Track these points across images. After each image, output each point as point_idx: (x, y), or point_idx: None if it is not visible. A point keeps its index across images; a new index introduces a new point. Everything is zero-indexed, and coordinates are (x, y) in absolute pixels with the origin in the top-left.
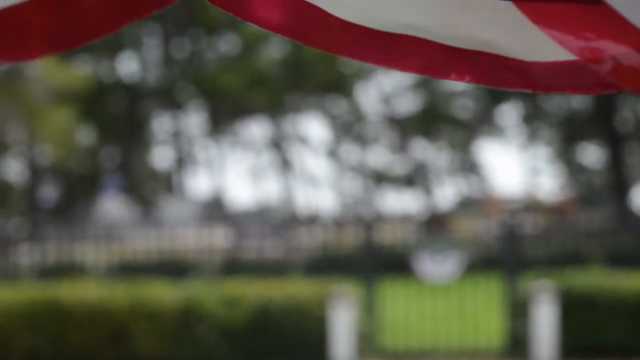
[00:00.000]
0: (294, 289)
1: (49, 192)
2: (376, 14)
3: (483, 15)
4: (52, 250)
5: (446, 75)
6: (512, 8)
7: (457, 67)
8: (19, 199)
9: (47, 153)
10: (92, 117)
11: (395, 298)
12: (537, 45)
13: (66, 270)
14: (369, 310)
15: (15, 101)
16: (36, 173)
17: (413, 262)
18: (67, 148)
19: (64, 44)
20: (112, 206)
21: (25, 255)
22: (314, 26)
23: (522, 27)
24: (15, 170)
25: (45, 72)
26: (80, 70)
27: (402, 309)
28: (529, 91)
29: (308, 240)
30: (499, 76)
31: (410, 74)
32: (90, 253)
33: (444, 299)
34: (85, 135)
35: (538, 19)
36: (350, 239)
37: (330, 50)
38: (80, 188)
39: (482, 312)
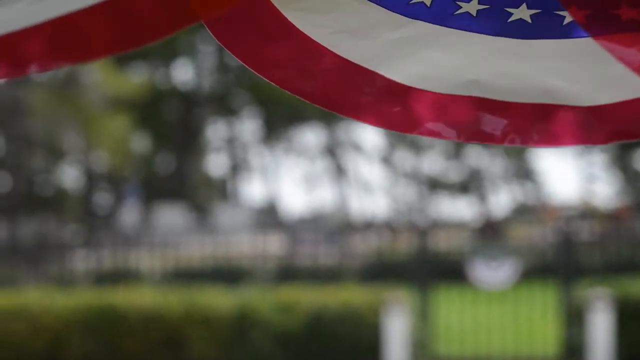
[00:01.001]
0: (348, 296)
1: (105, 199)
2: (438, 74)
3: (551, 61)
4: (107, 257)
5: (495, 139)
6: (591, 43)
7: (516, 127)
8: (75, 206)
9: (102, 160)
10: (148, 124)
11: (449, 305)
12: (614, 81)
13: (121, 277)
14: (423, 317)
15: (72, 108)
16: (92, 180)
17: (468, 269)
18: (123, 155)
19: (120, 47)
20: (168, 213)
21: (81, 262)
22: (368, 95)
23: (602, 63)
24: (71, 177)
25: (101, 79)
26: (136, 78)
27: (457, 316)
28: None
29: (362, 247)
30: (555, 132)
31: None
32: (145, 259)
33: (499, 306)
34: (140, 143)
35: (618, 52)
36: (405, 245)
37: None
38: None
39: (537, 320)
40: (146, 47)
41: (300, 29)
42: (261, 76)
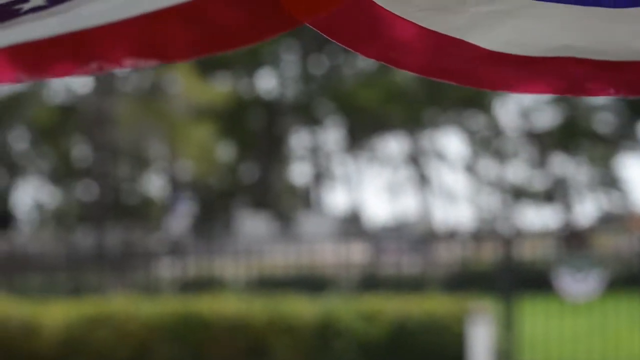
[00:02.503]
0: (432, 305)
1: (189, 207)
2: (526, 41)
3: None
4: (192, 265)
5: (592, 92)
6: None
7: (605, 81)
8: (160, 214)
9: (187, 168)
10: (232, 133)
11: (534, 315)
12: None
13: (206, 284)
14: (507, 327)
15: (157, 118)
16: (177, 188)
17: (553, 279)
18: (207, 164)
19: (199, 51)
20: (251, 222)
21: (166, 269)
22: (457, 61)
23: None
24: (156, 185)
25: (186, 89)
26: (221, 87)
27: (542, 326)
28: None
29: (446, 256)
30: None
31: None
32: (229, 267)
33: (585, 317)
34: (224, 151)
35: None
36: (489, 254)
37: (477, 85)
38: (219, 203)
39: (624, 331)
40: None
41: (389, 10)
42: (370, 58)
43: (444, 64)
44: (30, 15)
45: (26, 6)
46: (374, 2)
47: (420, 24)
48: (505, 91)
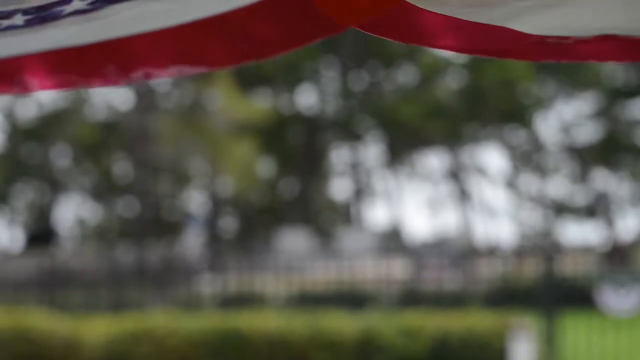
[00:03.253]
0: (473, 321)
1: (230, 223)
2: (569, 26)
3: None
4: (232, 280)
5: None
6: None
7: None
8: (201, 230)
9: (228, 185)
10: (272, 149)
11: (576, 331)
12: None
13: (246, 300)
14: (549, 343)
15: (198, 134)
16: (217, 204)
17: (595, 295)
18: (248, 180)
19: (239, 59)
20: (292, 237)
21: (207, 285)
22: (499, 42)
23: None
24: (197, 201)
25: (226, 105)
26: (261, 103)
27: (584, 343)
28: None
29: (487, 272)
30: None
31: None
32: (270, 283)
33: (628, 333)
34: (264, 167)
35: None
36: (530, 270)
37: (520, 58)
38: (260, 219)
39: None
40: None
41: (427, 9)
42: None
43: (486, 45)
44: (70, 19)
45: (67, 9)
46: (412, 4)
47: (461, 17)
48: (549, 61)
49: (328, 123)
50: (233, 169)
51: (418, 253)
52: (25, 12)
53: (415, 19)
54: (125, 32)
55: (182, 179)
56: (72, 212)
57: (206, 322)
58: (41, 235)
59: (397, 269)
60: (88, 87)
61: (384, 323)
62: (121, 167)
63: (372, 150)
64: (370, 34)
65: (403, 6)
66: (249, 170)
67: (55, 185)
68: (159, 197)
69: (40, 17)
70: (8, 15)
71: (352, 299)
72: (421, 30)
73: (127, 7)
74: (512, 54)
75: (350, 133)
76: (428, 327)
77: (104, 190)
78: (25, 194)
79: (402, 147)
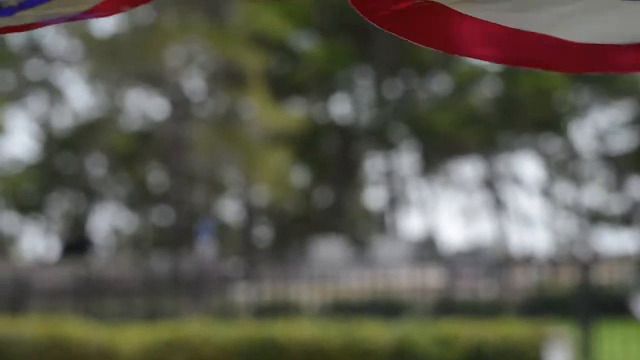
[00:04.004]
0: (509, 331)
1: (264, 232)
2: (612, 32)
3: None
4: (267, 289)
5: None
6: None
7: None
8: (236, 239)
9: (262, 193)
10: (306, 158)
11: (612, 341)
12: None
13: (281, 309)
14: (585, 353)
15: (232, 143)
16: (252, 213)
17: (631, 304)
18: (282, 189)
19: None
20: (326, 246)
21: (242, 294)
22: (538, 51)
23: None
24: (232, 210)
25: (261, 114)
26: (295, 113)
27: (620, 352)
28: None
29: (522, 281)
30: None
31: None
32: (304, 292)
33: None
34: (299, 176)
35: None
36: (566, 279)
37: (560, 70)
38: (294, 228)
39: None
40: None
41: (465, 13)
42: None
43: (524, 54)
44: None
45: None
46: (449, 7)
47: (500, 23)
48: (590, 73)
49: (362, 132)
50: (267, 178)
51: (453, 262)
52: None
53: (450, 25)
54: None
55: (216, 188)
56: (107, 221)
57: (241, 331)
58: (77, 244)
59: (432, 278)
60: None
61: (418, 332)
62: (156, 176)
63: (407, 159)
64: (403, 38)
65: (437, 10)
66: (283, 179)
67: (90, 195)
68: (194, 206)
69: None
70: None
71: (387, 308)
72: (456, 37)
73: None
74: (551, 64)
75: (384, 142)
76: (463, 336)
77: (139, 199)
78: (60, 203)
79: (436, 156)
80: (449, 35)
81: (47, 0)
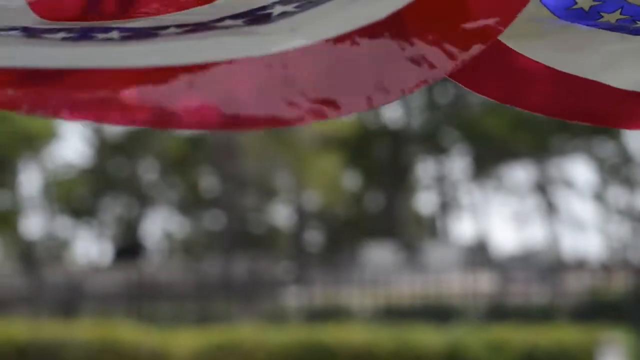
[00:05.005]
0: (561, 335)
1: (315, 237)
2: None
3: None
4: (318, 294)
5: None
6: None
7: None
8: (287, 243)
9: (313, 198)
10: (358, 163)
11: None
12: None
13: (332, 313)
14: (638, 358)
15: (284, 148)
16: (303, 217)
17: None
18: (333, 193)
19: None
20: (377, 251)
21: (293, 298)
22: (585, 101)
23: None
24: (283, 215)
25: None
26: (346, 117)
27: None
28: None
29: (575, 286)
30: None
31: None
32: (355, 296)
33: None
34: (350, 181)
35: None
36: (619, 284)
37: (605, 124)
38: (345, 232)
39: None
40: None
41: (515, 49)
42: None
43: (571, 104)
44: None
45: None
46: (500, 41)
47: (549, 64)
48: (635, 129)
49: (414, 136)
50: (319, 182)
51: (505, 267)
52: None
53: (499, 68)
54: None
55: (268, 193)
56: (159, 225)
57: (292, 335)
58: (129, 248)
59: (484, 283)
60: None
61: (470, 337)
62: (208, 181)
63: (458, 163)
64: (461, 85)
65: (494, 54)
66: (334, 183)
67: (143, 199)
68: (245, 211)
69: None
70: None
71: (438, 312)
72: (505, 83)
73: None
74: (594, 115)
75: (435, 146)
76: (515, 341)
77: (191, 203)
78: (113, 208)
79: (488, 160)
80: (496, 77)
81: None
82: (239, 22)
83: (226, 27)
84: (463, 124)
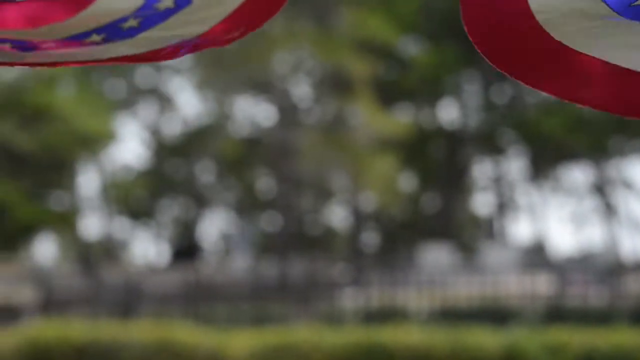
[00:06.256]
0: (620, 338)
1: (372, 238)
2: None
3: None
4: (375, 295)
5: None
6: None
7: None
8: (343, 245)
9: (370, 199)
10: (414, 164)
11: None
12: None
13: (389, 315)
14: None
15: (340, 149)
16: (359, 219)
17: None
18: (390, 194)
19: None
20: (434, 252)
21: (350, 299)
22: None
23: None
24: (339, 216)
25: (368, 120)
26: (402, 118)
27: None
28: None
29: (634, 288)
30: None
31: None
32: (412, 298)
33: None
34: (406, 182)
35: None
36: None
37: None
38: (402, 233)
39: None
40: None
41: (574, 48)
42: (538, 89)
43: (631, 100)
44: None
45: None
46: (557, 40)
47: (609, 61)
48: None
49: (470, 137)
50: (375, 183)
51: (563, 268)
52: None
53: (560, 65)
54: None
55: (324, 194)
56: (216, 226)
57: (349, 337)
58: (186, 249)
59: (541, 285)
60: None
61: (528, 339)
62: (264, 182)
63: (515, 164)
64: (507, 74)
65: (554, 52)
66: (391, 185)
67: (200, 201)
68: (302, 212)
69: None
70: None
71: (496, 314)
72: (567, 79)
73: None
74: None
75: (492, 147)
76: (573, 343)
77: (248, 205)
78: (170, 209)
79: (545, 161)
80: (557, 74)
81: (167, 19)
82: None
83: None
84: (520, 124)
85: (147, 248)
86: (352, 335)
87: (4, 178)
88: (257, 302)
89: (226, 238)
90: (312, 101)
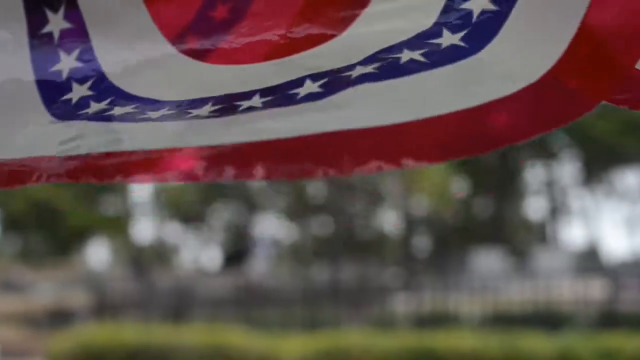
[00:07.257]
0: None
1: (424, 243)
2: None
3: None
4: (427, 300)
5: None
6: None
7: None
8: (395, 249)
9: (421, 204)
10: (465, 168)
11: None
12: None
13: (441, 320)
14: None
15: None
16: (411, 223)
17: None
18: (442, 199)
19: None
20: (486, 257)
21: (401, 304)
22: None
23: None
24: (391, 220)
25: None
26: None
27: None
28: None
29: None
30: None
31: None
32: (464, 303)
33: None
34: (458, 186)
35: None
36: None
37: None
38: (454, 238)
39: None
40: None
41: None
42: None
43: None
44: (305, 105)
45: (302, 92)
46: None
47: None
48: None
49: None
50: (427, 188)
51: (616, 273)
52: (263, 93)
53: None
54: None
55: (375, 199)
56: (267, 231)
57: (401, 341)
58: (237, 254)
59: (595, 290)
60: (317, 176)
61: (581, 344)
62: (315, 187)
63: (568, 168)
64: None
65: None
66: (442, 189)
67: (251, 205)
68: (353, 217)
69: (276, 98)
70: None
71: (548, 319)
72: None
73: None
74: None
75: (545, 151)
76: (627, 349)
77: (299, 209)
78: (222, 214)
79: (598, 165)
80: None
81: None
82: None
83: None
84: (572, 128)
85: (199, 252)
86: (404, 340)
87: (57, 183)
88: (308, 306)
89: (276, 243)
90: None
